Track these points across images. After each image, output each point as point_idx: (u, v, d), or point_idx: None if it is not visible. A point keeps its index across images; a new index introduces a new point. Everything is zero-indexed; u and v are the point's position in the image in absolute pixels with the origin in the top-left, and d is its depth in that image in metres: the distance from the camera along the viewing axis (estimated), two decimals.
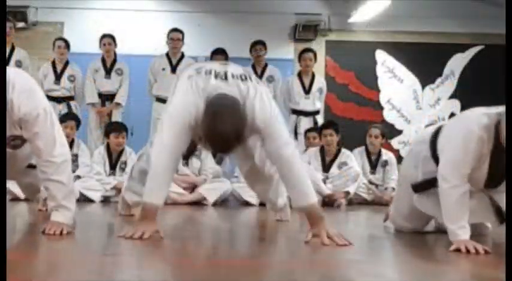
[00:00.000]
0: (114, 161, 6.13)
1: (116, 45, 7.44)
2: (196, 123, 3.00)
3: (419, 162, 3.42)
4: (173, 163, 3.15)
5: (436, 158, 3.25)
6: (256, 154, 3.58)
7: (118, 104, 7.38)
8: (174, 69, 7.36)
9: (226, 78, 3.16)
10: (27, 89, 2.99)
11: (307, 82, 7.49)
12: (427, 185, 3.33)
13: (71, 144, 5.98)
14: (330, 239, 3.02)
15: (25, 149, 3.28)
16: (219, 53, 7.51)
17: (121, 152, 6.14)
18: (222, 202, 6.07)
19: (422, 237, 3.51)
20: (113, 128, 6.27)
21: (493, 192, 3.28)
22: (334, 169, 6.36)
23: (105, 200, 5.85)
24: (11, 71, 3.00)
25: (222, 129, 2.84)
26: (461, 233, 2.96)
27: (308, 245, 2.99)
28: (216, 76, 3.16)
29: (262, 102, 3.14)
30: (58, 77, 7.31)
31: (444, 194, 3.08)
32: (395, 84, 9.46)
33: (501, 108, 3.01)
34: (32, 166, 3.56)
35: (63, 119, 6.38)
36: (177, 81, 3.32)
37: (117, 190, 5.64)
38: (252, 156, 3.59)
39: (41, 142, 3.02)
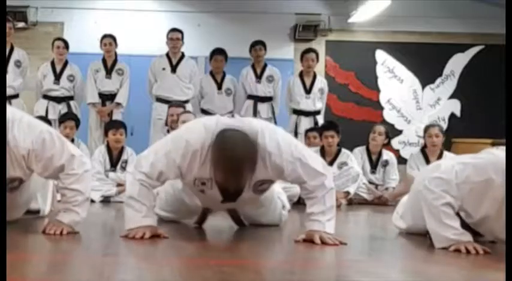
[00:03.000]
0: (115, 160, 6.13)
1: (116, 45, 7.43)
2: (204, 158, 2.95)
3: None
4: (149, 191, 3.09)
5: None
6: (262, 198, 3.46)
7: (118, 104, 7.37)
8: (174, 69, 7.36)
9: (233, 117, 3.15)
10: (24, 122, 3.01)
11: (308, 82, 7.49)
12: None
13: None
14: (321, 240, 3.01)
15: (21, 195, 3.27)
16: (218, 53, 7.51)
17: (121, 151, 6.13)
18: None
19: (422, 237, 3.50)
20: (111, 125, 6.28)
21: None
22: (334, 169, 6.34)
23: (105, 200, 5.84)
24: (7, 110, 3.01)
25: (233, 153, 2.80)
26: (462, 238, 2.94)
27: (308, 245, 2.99)
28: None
29: (280, 136, 3.07)
30: (57, 77, 7.31)
31: (429, 204, 3.00)
32: (395, 84, 9.46)
33: None
34: (29, 212, 3.59)
35: (62, 119, 6.39)
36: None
37: (120, 186, 5.66)
38: (257, 200, 3.47)
39: (60, 161, 3.03)
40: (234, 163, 2.81)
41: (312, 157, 3.14)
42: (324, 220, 3.07)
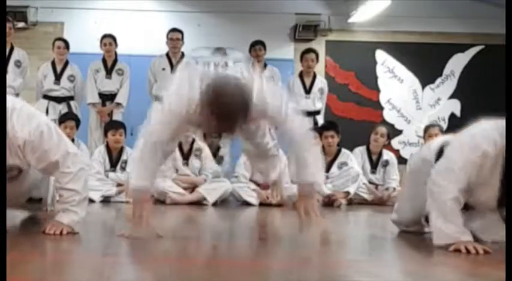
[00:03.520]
0: (115, 160, 6.13)
1: (116, 45, 7.44)
2: (194, 110, 2.92)
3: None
4: (158, 151, 3.11)
5: None
6: (258, 136, 3.51)
7: (119, 104, 7.38)
8: (174, 69, 7.36)
9: (226, 66, 3.13)
10: (24, 112, 3.00)
11: (308, 82, 7.50)
12: None
13: None
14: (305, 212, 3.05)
15: (20, 185, 3.26)
16: None
17: (121, 151, 6.14)
18: (222, 202, 6.07)
19: (422, 237, 3.50)
20: (110, 126, 6.28)
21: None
22: (334, 169, 6.36)
23: (105, 200, 5.85)
24: (8, 99, 3.01)
25: (226, 99, 2.76)
26: (460, 236, 2.94)
27: (308, 246, 2.99)
28: (215, 66, 3.12)
29: (269, 85, 3.10)
30: (58, 77, 7.32)
31: (435, 199, 3.01)
32: (395, 84, 9.46)
33: None
34: (32, 200, 3.59)
35: (62, 119, 6.40)
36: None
37: (120, 186, 5.65)
38: (254, 138, 3.52)
39: (54, 157, 3.02)
40: (229, 113, 2.77)
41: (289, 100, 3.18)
42: (314, 170, 3.12)
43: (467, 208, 3.15)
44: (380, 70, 9.45)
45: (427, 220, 3.31)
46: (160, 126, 3.08)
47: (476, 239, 3.02)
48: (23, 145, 2.96)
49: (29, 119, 2.98)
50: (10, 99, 3.02)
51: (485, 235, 3.11)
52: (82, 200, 3.13)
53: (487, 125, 3.01)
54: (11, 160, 2.99)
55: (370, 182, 6.62)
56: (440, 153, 3.24)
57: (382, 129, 6.83)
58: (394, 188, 6.54)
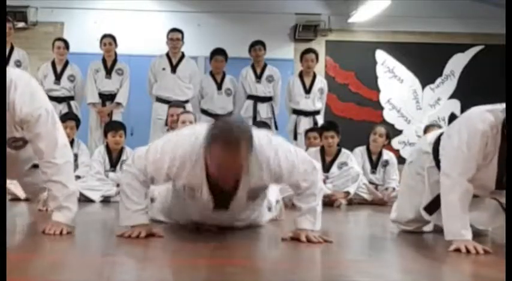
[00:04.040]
0: (115, 160, 6.13)
1: (116, 45, 7.44)
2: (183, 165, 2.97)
3: (424, 173, 3.34)
4: (143, 188, 3.10)
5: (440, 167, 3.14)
6: (255, 202, 3.42)
7: (119, 104, 7.38)
8: (174, 69, 7.37)
9: None
10: (29, 90, 3.01)
11: (308, 82, 7.50)
12: (439, 203, 3.14)
13: (71, 144, 5.97)
14: (307, 239, 3.03)
15: (28, 150, 3.27)
16: (219, 54, 7.51)
17: (121, 152, 6.14)
18: None
19: (422, 237, 3.50)
20: (110, 127, 6.28)
21: (503, 195, 3.13)
22: (334, 169, 6.36)
23: (105, 200, 5.84)
24: (14, 71, 3.01)
25: (229, 126, 2.81)
26: (465, 233, 2.94)
27: (308, 246, 2.99)
28: None
29: (275, 140, 3.09)
30: (58, 77, 7.32)
31: (447, 191, 3.01)
32: (395, 84, 9.46)
33: (504, 105, 2.93)
34: (36, 166, 3.55)
35: (63, 119, 6.38)
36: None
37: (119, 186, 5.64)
38: (248, 209, 3.43)
39: (43, 143, 3.03)
40: (231, 141, 2.76)
41: (304, 158, 3.13)
42: (312, 218, 3.09)
43: None
44: (380, 70, 9.46)
45: (426, 210, 3.32)
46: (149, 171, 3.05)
47: (476, 231, 3.01)
48: (20, 121, 2.98)
49: (31, 99, 2.98)
50: (16, 73, 3.03)
51: (484, 226, 3.11)
52: (71, 194, 3.12)
53: (480, 109, 3.09)
54: (14, 133, 3.02)
55: (370, 182, 6.62)
56: (437, 143, 3.26)
57: (381, 130, 6.83)
58: (394, 188, 6.53)
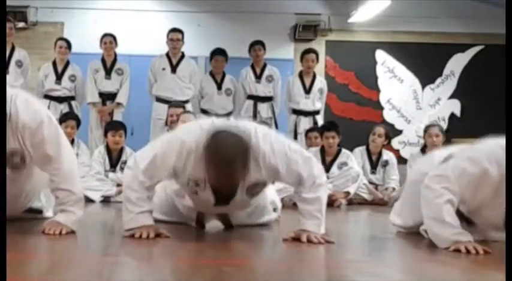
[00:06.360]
0: (115, 160, 6.13)
1: (116, 44, 7.44)
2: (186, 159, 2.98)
3: None
4: (146, 192, 3.09)
5: None
6: (255, 199, 3.43)
7: (119, 104, 7.38)
8: (174, 69, 7.37)
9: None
10: (28, 99, 3.07)
11: (307, 82, 7.50)
12: None
13: (71, 144, 5.97)
14: (308, 239, 3.02)
15: (23, 180, 3.25)
16: (219, 54, 7.51)
17: (121, 152, 6.14)
18: None
19: (422, 237, 3.50)
20: (110, 126, 6.28)
21: None
22: (334, 169, 6.36)
23: (105, 200, 5.85)
24: (12, 89, 3.06)
25: (224, 151, 2.80)
26: (462, 238, 2.93)
27: (308, 246, 2.99)
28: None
29: (273, 137, 3.09)
30: (59, 77, 7.32)
31: (429, 203, 2.99)
32: (396, 84, 9.46)
33: None
34: (32, 211, 3.58)
35: (63, 118, 6.39)
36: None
37: (119, 186, 5.64)
38: (249, 204, 3.45)
39: (48, 148, 3.05)
40: (225, 162, 2.81)
41: (306, 157, 3.13)
42: (316, 220, 3.08)
43: (468, 222, 3.13)
44: (380, 70, 9.46)
45: (426, 231, 3.28)
46: (148, 172, 3.05)
47: (476, 240, 3.01)
48: (22, 128, 2.99)
49: (32, 107, 3.04)
50: (15, 91, 3.09)
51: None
52: (78, 200, 3.15)
53: (495, 144, 2.95)
54: (12, 144, 3.02)
55: (370, 182, 6.62)
56: None
57: (380, 130, 6.83)
58: (394, 188, 6.54)
